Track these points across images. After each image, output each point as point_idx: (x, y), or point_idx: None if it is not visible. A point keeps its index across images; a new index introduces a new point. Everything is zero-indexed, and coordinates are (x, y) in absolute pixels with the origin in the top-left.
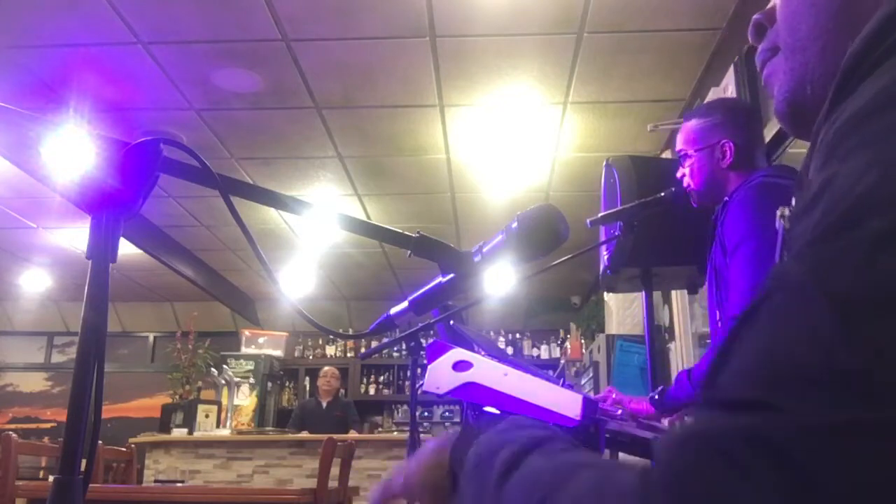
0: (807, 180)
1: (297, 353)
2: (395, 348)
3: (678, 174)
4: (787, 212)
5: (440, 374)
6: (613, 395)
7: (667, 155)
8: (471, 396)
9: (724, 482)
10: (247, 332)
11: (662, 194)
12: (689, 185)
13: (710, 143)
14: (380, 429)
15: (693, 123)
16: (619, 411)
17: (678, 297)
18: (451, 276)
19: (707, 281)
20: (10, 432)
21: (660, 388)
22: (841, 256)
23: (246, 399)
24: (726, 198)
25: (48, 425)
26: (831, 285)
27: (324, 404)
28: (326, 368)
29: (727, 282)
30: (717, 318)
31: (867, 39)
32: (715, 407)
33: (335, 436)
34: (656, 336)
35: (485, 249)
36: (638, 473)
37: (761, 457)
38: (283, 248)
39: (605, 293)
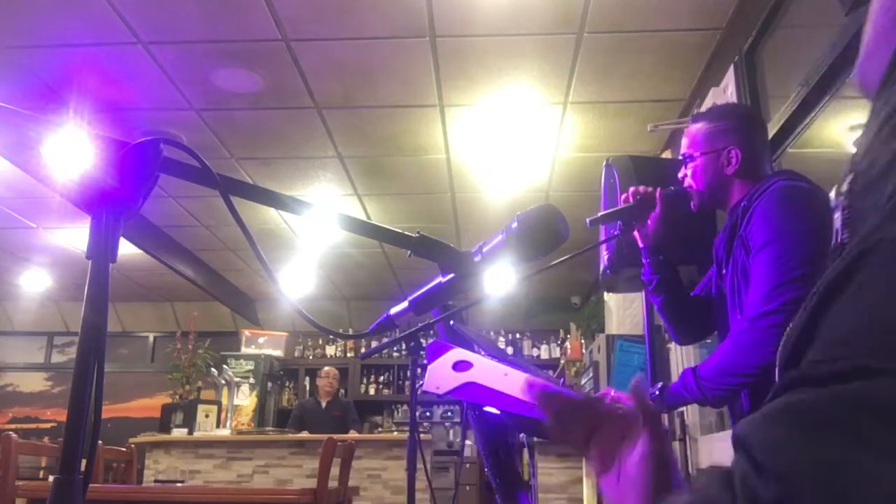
0: (864, 149)
1: (297, 353)
2: (395, 348)
3: (680, 175)
4: (845, 187)
5: (440, 374)
6: (612, 394)
7: (667, 155)
8: (471, 396)
9: (848, 453)
10: (247, 332)
11: None
12: (690, 187)
13: (716, 148)
14: (380, 429)
15: (701, 126)
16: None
17: None
18: (451, 276)
19: (727, 287)
20: (10, 432)
21: (660, 385)
22: None
23: (246, 399)
24: (744, 203)
25: (48, 425)
26: None
27: (323, 404)
28: (326, 368)
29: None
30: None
31: None
32: (808, 383)
33: (335, 436)
34: (656, 336)
35: (485, 249)
36: (724, 483)
37: (882, 422)
38: (283, 248)
39: (605, 293)
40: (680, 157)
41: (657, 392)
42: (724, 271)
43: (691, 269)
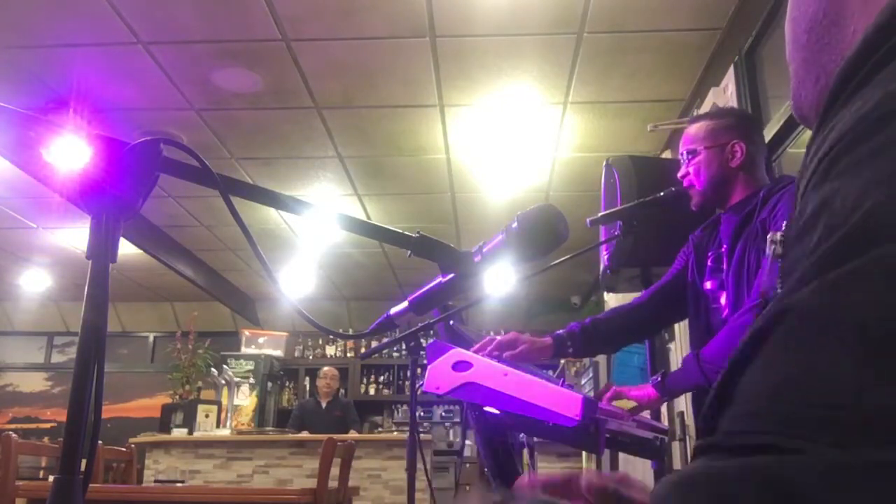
0: (800, 200)
1: (297, 353)
2: (395, 348)
3: (680, 174)
4: (778, 236)
5: (440, 374)
6: (614, 387)
7: (667, 155)
8: (471, 396)
9: None
10: (247, 332)
11: (662, 194)
12: (691, 185)
13: (720, 142)
14: (380, 429)
15: (704, 123)
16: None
17: None
18: (451, 276)
19: (730, 274)
20: (10, 432)
21: (661, 372)
22: (855, 282)
23: (246, 399)
24: (762, 193)
25: (48, 425)
26: (850, 315)
27: (323, 404)
28: (326, 369)
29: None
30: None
31: (857, 53)
32: (721, 451)
33: (335, 436)
34: (656, 336)
35: (485, 249)
36: None
37: (785, 501)
38: (283, 248)
39: (605, 293)
40: (680, 157)
41: (658, 379)
42: (723, 264)
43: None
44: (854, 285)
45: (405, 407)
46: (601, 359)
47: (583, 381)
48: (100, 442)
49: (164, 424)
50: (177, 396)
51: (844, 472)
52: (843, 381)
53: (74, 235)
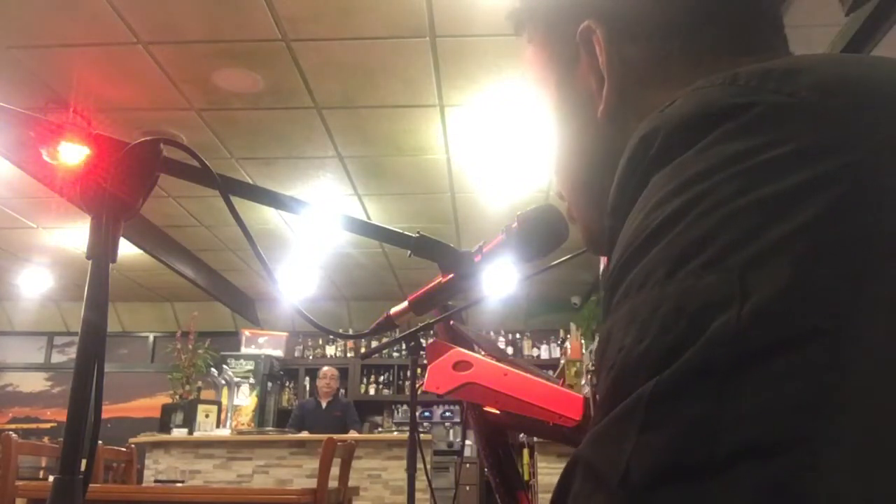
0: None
1: (297, 353)
2: (395, 348)
3: None
4: (590, 366)
5: (440, 374)
6: None
7: None
8: (471, 396)
9: None
10: (247, 332)
11: None
12: None
13: None
14: (380, 429)
15: None
16: None
17: None
18: (451, 276)
19: None
20: (10, 432)
21: None
22: (616, 428)
23: (246, 399)
24: None
25: (48, 425)
26: (611, 463)
27: (323, 404)
28: (325, 369)
29: None
30: None
31: (616, 185)
32: None
33: (335, 436)
34: None
35: (485, 249)
36: None
37: None
38: (283, 248)
39: None
40: None
41: None
42: None
43: None
44: (615, 432)
45: (405, 407)
46: None
47: (583, 381)
48: (100, 442)
49: (164, 424)
50: (177, 396)
51: None
52: None
53: (74, 235)
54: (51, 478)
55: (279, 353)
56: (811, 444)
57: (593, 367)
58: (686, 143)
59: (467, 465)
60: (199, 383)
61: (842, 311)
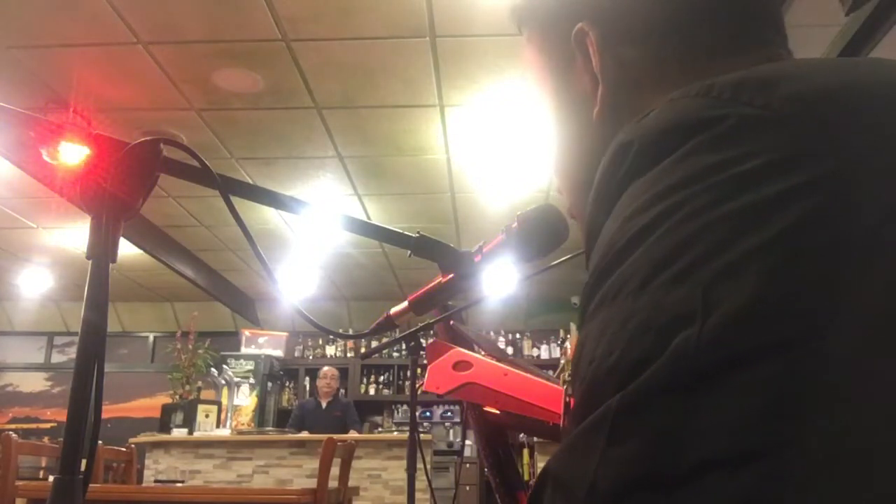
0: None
1: (297, 353)
2: (395, 348)
3: None
4: (567, 376)
5: (440, 374)
6: None
7: None
8: (471, 396)
9: None
10: (247, 332)
11: None
12: None
13: None
14: (380, 429)
15: None
16: None
17: None
18: (451, 276)
19: None
20: (10, 432)
21: None
22: (585, 440)
23: (246, 399)
24: None
25: (48, 425)
26: (579, 475)
27: (323, 404)
28: (325, 369)
29: None
30: None
31: (594, 193)
32: None
33: (335, 436)
34: None
35: (485, 249)
36: None
37: None
38: (283, 248)
39: None
40: None
41: None
42: None
43: None
44: (583, 444)
45: (405, 407)
46: None
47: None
48: (100, 442)
49: (164, 424)
50: (177, 396)
51: None
52: None
53: (74, 235)
54: (51, 478)
55: (279, 353)
56: (775, 454)
57: (569, 378)
58: (660, 154)
59: (467, 465)
60: (199, 383)
61: (808, 322)
